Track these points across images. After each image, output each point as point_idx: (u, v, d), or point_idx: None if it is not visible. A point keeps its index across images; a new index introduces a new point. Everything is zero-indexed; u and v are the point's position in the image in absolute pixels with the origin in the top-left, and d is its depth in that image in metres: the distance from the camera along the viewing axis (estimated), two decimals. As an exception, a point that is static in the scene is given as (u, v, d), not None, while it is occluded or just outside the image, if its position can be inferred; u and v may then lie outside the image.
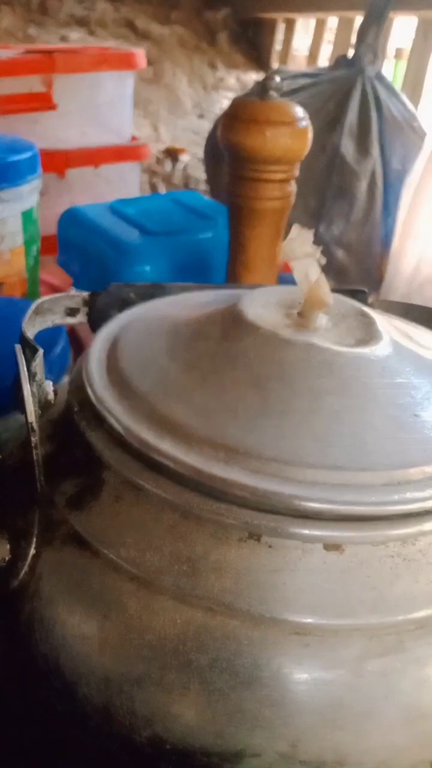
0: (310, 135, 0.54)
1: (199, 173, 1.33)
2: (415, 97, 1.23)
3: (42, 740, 0.26)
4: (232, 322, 0.26)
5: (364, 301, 0.34)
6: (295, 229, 0.26)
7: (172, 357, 0.26)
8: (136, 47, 1.18)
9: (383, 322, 0.28)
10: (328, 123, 1.01)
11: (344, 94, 1.02)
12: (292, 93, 1.03)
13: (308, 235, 0.26)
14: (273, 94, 0.53)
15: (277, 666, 0.20)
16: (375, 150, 1.02)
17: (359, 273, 1.05)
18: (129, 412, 0.24)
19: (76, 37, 1.61)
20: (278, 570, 0.21)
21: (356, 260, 1.06)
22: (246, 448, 0.22)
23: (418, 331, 0.31)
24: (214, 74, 1.75)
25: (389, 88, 1.04)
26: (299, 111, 0.53)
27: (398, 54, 1.41)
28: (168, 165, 1.36)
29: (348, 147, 1.01)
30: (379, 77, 1.04)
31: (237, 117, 0.53)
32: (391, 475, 0.21)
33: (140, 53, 0.91)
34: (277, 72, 1.14)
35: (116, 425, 0.23)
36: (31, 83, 0.84)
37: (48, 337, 0.51)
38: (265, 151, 0.52)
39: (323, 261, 0.26)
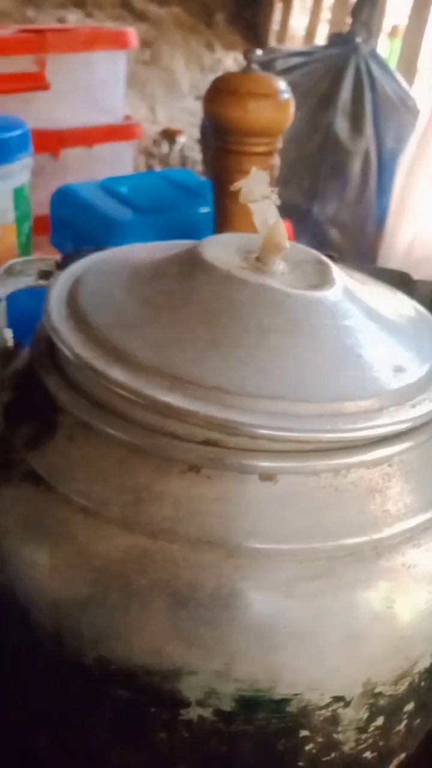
0: (292, 108, 0.54)
1: (196, 154, 1.33)
2: (410, 75, 1.22)
3: (3, 674, 0.28)
4: (190, 262, 0.27)
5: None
6: (252, 171, 0.27)
7: (129, 293, 0.27)
8: (133, 28, 1.18)
9: (340, 271, 0.28)
10: (321, 102, 1.01)
11: (338, 73, 1.01)
12: (285, 72, 1.03)
13: (264, 176, 0.27)
14: (254, 67, 0.54)
15: (212, 587, 0.22)
16: (369, 129, 1.02)
17: (353, 252, 1.05)
18: (83, 342, 0.24)
19: (74, 18, 1.61)
20: (216, 499, 0.22)
21: (350, 240, 1.06)
22: (191, 378, 0.23)
23: (379, 286, 0.32)
24: (211, 55, 1.75)
25: (383, 66, 1.04)
26: (281, 84, 0.54)
27: (393, 31, 1.40)
28: (165, 146, 1.36)
29: (342, 126, 1.01)
30: (373, 55, 1.04)
31: (220, 90, 0.53)
32: (327, 407, 0.22)
33: (132, 32, 0.91)
34: (271, 50, 1.14)
35: (68, 353, 0.24)
36: (24, 63, 0.85)
37: (37, 311, 0.52)
38: (247, 123, 0.53)
39: (278, 202, 0.27)
